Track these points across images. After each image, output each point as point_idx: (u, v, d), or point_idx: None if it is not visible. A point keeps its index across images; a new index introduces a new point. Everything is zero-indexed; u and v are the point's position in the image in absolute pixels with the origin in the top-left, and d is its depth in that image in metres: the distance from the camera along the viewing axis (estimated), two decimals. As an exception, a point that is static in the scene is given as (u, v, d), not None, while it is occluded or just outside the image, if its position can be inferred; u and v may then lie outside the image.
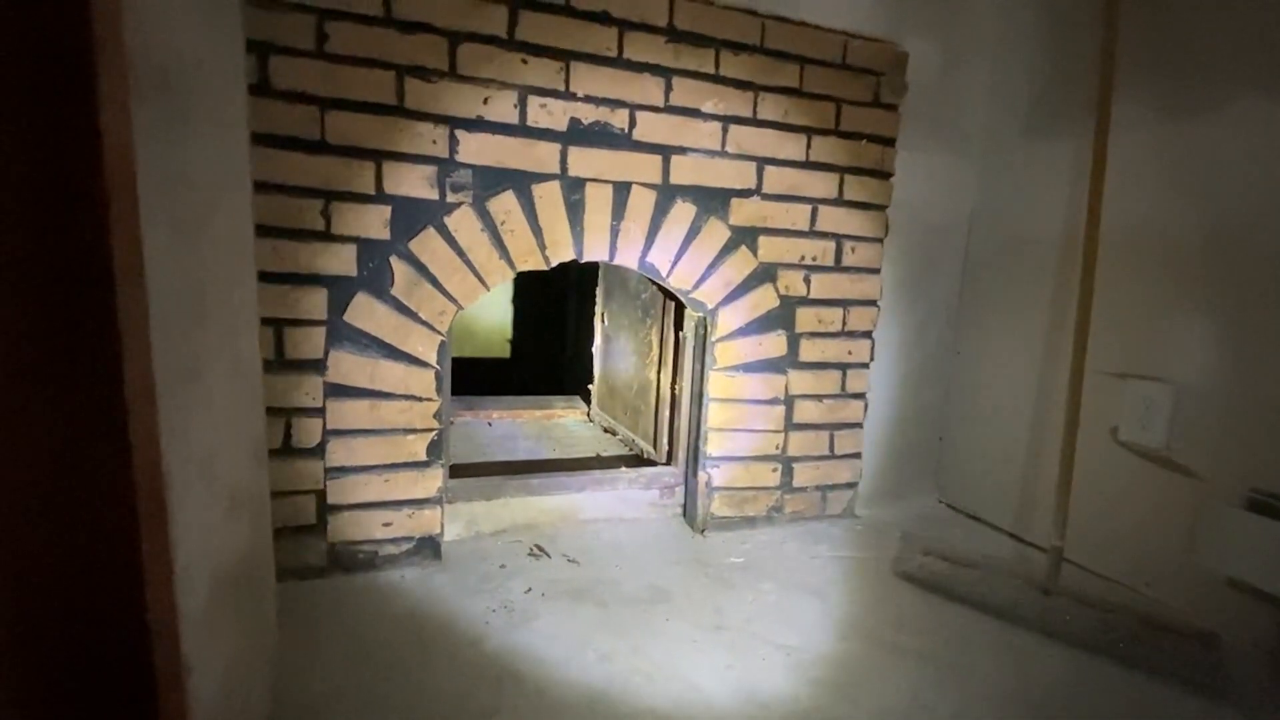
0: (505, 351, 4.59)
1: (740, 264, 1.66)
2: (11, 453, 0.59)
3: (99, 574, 0.62)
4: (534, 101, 1.43)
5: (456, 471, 1.65)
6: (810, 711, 1.08)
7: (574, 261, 1.54)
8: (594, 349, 2.50)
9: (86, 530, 0.61)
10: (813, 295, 1.75)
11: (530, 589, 1.41)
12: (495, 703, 1.06)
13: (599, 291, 2.46)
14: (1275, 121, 1.30)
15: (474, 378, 3.09)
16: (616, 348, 2.30)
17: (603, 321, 2.44)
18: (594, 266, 2.44)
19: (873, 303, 1.83)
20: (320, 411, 1.37)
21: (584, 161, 1.49)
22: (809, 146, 1.68)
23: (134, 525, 0.62)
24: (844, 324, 1.80)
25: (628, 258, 1.57)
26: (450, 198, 1.41)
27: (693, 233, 1.61)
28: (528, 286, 4.22)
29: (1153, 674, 1.21)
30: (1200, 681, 1.18)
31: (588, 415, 2.58)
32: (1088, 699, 1.16)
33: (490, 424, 2.46)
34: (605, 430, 2.40)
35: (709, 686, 1.14)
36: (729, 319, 1.68)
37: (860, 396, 1.86)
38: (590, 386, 2.54)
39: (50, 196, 0.58)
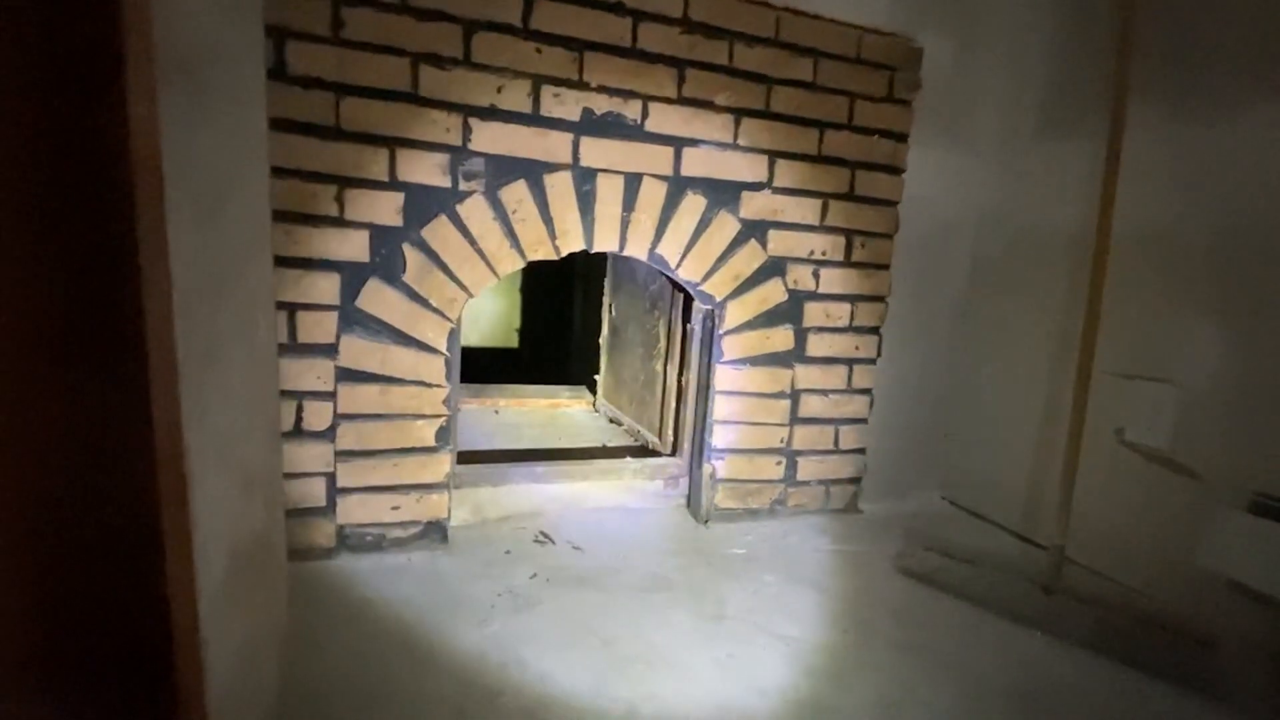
0: (513, 341, 4.60)
1: (749, 257, 1.67)
2: (35, 431, 0.61)
3: (121, 549, 0.64)
4: (547, 91, 1.44)
5: (463, 458, 1.67)
6: (808, 701, 1.10)
7: (583, 252, 1.55)
8: (600, 340, 2.51)
9: (109, 506, 0.63)
10: (821, 290, 1.75)
11: (535, 575, 1.43)
12: (500, 685, 1.08)
13: (606, 283, 2.46)
14: (1292, 124, 1.29)
15: (481, 366, 3.11)
16: (623, 339, 2.31)
17: (610, 313, 2.45)
18: (602, 257, 2.44)
19: (881, 299, 1.83)
20: (331, 395, 1.39)
21: (596, 152, 1.49)
22: (821, 140, 1.68)
23: (155, 502, 0.64)
24: (852, 319, 1.80)
25: (637, 249, 1.58)
26: (463, 186, 1.41)
27: (703, 225, 1.61)
28: (537, 276, 4.23)
29: (1151, 674, 1.22)
30: (1198, 683, 1.19)
31: (593, 405, 2.59)
32: (1085, 697, 1.17)
33: (497, 412, 2.48)
34: (610, 420, 2.41)
35: (710, 674, 1.15)
36: (737, 312, 1.69)
37: (866, 392, 1.87)
38: (596, 377, 2.55)
39: (77, 178, 0.59)
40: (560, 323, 4.02)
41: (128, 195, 0.60)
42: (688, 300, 1.80)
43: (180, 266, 0.65)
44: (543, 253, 1.51)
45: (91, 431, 0.61)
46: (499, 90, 1.40)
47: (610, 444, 2.15)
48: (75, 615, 0.63)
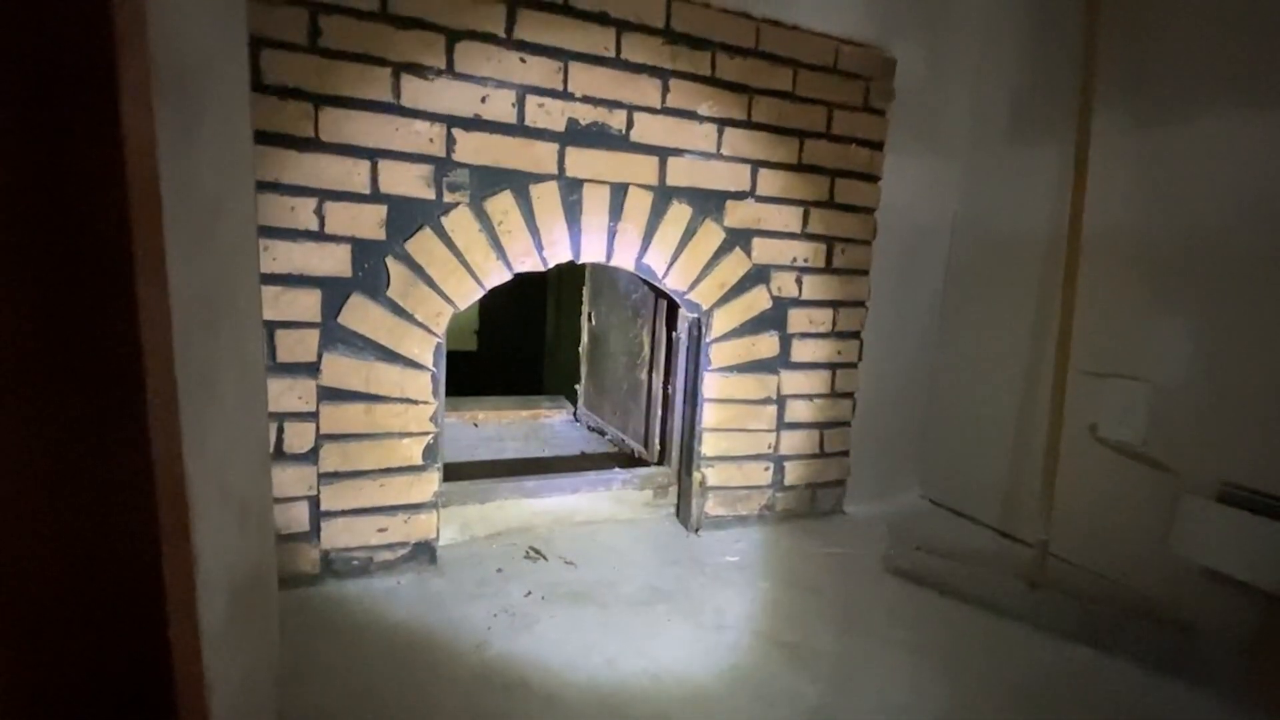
0: (472, 344, 4.48)
1: (735, 265, 1.68)
2: (28, 465, 0.56)
3: (119, 591, 0.60)
4: (532, 101, 1.42)
5: (448, 474, 1.63)
6: (818, 708, 1.10)
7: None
8: (580, 349, 2.49)
9: (107, 543, 0.59)
10: (804, 296, 1.77)
11: (530, 592, 1.40)
12: (505, 709, 1.05)
13: (585, 292, 2.45)
14: (1247, 132, 1.37)
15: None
16: (605, 348, 2.29)
17: (590, 321, 2.43)
18: (573, 264, 2.42)
19: (861, 303, 1.86)
20: (313, 415, 1.34)
21: (582, 162, 1.48)
22: (801, 150, 1.70)
23: (155, 538, 0.60)
24: (834, 325, 1.83)
25: (624, 259, 1.57)
26: (447, 197, 1.38)
27: (688, 234, 1.61)
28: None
29: (1137, 662, 1.26)
30: (1178, 667, 1.24)
31: (574, 415, 2.57)
32: (1077, 687, 1.20)
33: (476, 424, 2.43)
34: (592, 430, 2.39)
35: (717, 686, 1.15)
36: (724, 320, 1.70)
37: (849, 396, 1.90)
38: (577, 386, 2.53)
39: (68, 198, 0.55)
40: (524, 326, 3.94)
41: (123, 216, 0.56)
42: (671, 308, 1.80)
43: (177, 289, 0.62)
44: (530, 264, 1.48)
45: (87, 466, 0.57)
46: (483, 100, 1.38)
47: (594, 454, 2.13)
48: (72, 660, 0.59)
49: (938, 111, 1.89)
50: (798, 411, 1.83)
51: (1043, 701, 1.16)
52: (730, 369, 1.72)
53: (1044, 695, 1.18)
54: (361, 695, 1.06)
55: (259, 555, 0.89)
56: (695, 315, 1.70)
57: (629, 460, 2.01)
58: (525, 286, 3.70)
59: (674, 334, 1.80)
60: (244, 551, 0.80)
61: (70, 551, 0.57)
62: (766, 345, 1.75)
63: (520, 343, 4.00)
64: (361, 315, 1.35)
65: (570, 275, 2.66)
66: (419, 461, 1.44)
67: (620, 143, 1.51)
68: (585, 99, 1.46)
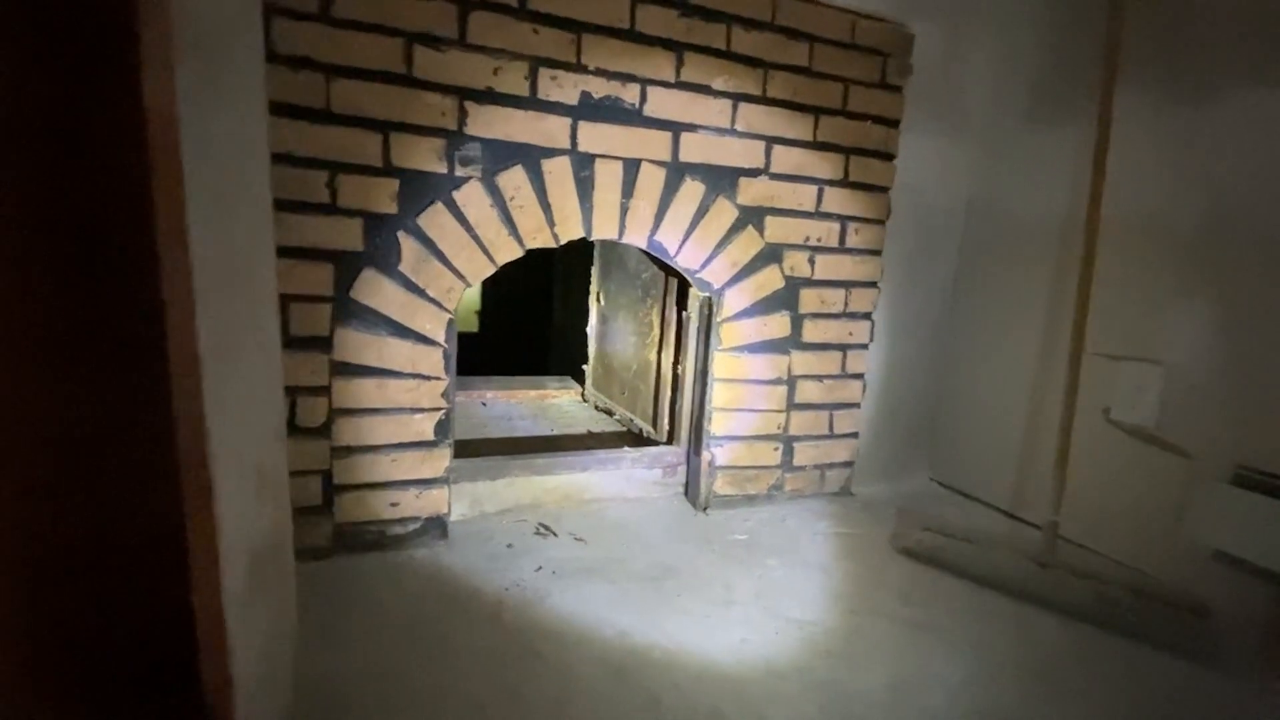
0: (473, 325, 4.47)
1: (747, 244, 1.66)
2: (50, 430, 0.57)
3: (143, 557, 0.60)
4: (545, 74, 1.40)
5: (459, 451, 1.63)
6: (828, 683, 1.11)
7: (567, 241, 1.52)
8: (589, 329, 2.48)
9: (132, 507, 0.59)
10: (816, 276, 1.76)
11: (540, 567, 1.41)
12: (519, 680, 1.06)
13: (594, 271, 2.44)
14: (1270, 112, 1.34)
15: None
16: (614, 328, 2.29)
17: (599, 301, 2.42)
18: (585, 246, 2.41)
19: (873, 284, 1.85)
20: (326, 390, 1.34)
21: (594, 137, 1.46)
22: (816, 126, 1.68)
23: (178, 506, 0.61)
24: (845, 305, 1.82)
25: (636, 236, 1.56)
26: (459, 172, 1.37)
27: (701, 212, 1.60)
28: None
29: (1148, 644, 1.27)
30: (1190, 649, 1.24)
31: (582, 395, 2.57)
32: (1087, 667, 1.21)
33: (485, 404, 2.44)
34: (600, 410, 2.40)
35: (727, 660, 1.16)
36: (735, 299, 1.69)
37: (859, 377, 1.89)
38: (585, 366, 2.53)
39: (90, 163, 0.55)
40: (527, 307, 3.91)
41: (145, 181, 0.56)
42: (682, 287, 1.79)
43: (199, 257, 0.62)
44: (541, 240, 1.47)
45: (111, 427, 0.57)
46: (496, 72, 1.36)
47: (603, 433, 2.14)
48: (100, 623, 0.60)
49: (955, 89, 1.86)
50: (808, 392, 1.82)
51: (1052, 680, 1.17)
52: (741, 349, 1.72)
53: (1054, 674, 1.18)
54: (376, 665, 1.07)
55: (276, 524, 0.89)
56: (706, 294, 1.69)
57: (638, 440, 2.01)
58: (528, 267, 3.69)
59: (684, 313, 1.79)
60: (262, 520, 0.81)
61: (96, 515, 0.57)
62: (778, 325, 1.74)
63: (523, 324, 3.98)
64: (374, 290, 1.34)
65: (577, 255, 2.64)
66: (431, 437, 1.44)
67: (633, 117, 1.49)
68: (599, 72, 1.44)
